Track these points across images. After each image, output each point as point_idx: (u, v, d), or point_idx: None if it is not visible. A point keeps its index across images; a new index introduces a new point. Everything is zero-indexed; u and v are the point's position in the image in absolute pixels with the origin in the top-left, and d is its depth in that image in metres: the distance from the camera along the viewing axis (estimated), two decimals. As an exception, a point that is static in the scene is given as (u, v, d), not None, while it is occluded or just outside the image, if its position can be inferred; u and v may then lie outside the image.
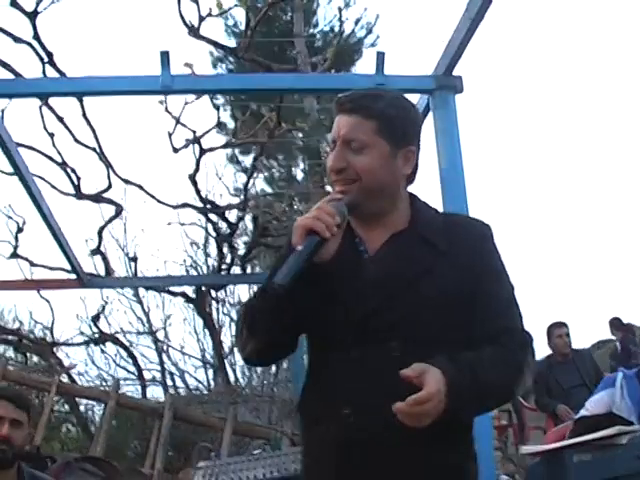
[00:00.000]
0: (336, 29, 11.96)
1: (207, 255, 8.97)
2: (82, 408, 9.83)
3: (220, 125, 6.57)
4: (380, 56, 4.35)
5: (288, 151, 9.76)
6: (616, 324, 10.47)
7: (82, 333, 8.80)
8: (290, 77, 4.42)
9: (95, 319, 8.53)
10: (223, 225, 7.28)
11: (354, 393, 1.91)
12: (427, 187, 2.51)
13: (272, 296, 1.88)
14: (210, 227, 7.61)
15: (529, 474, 4.77)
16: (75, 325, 8.98)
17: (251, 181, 7.10)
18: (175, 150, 5.54)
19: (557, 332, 7.65)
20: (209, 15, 4.78)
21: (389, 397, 1.75)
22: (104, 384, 9.30)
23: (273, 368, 10.05)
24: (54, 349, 9.57)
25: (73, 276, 7.37)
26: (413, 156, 2.08)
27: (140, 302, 9.39)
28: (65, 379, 8.59)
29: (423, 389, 1.74)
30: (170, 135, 5.48)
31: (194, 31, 4.47)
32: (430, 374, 1.77)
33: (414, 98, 4.67)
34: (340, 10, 10.44)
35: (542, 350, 8.20)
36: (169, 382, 10.13)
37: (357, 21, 13.47)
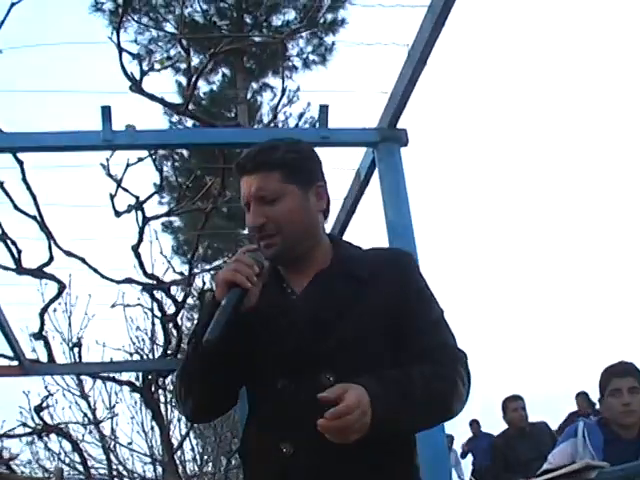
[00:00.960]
0: (280, 125, 12.19)
1: (153, 340, 8.72)
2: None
3: (163, 189, 6.50)
4: (323, 109, 4.37)
5: (234, 218, 9.74)
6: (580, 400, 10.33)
7: (24, 424, 8.39)
8: (233, 131, 4.40)
9: (38, 410, 8.15)
10: (168, 301, 7.13)
11: (290, 427, 1.94)
12: (375, 242, 2.52)
13: (204, 351, 1.94)
14: (155, 306, 7.44)
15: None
16: (17, 417, 8.53)
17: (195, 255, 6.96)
18: (117, 214, 5.43)
19: (512, 406, 7.58)
20: (151, 70, 4.77)
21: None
22: (46, 474, 8.88)
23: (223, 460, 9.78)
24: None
25: (15, 362, 7.16)
26: (323, 191, 2.18)
27: (83, 392, 9.06)
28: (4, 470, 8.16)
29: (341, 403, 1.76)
30: (112, 197, 5.37)
31: (137, 85, 4.43)
32: (350, 390, 1.79)
33: (360, 152, 4.69)
34: (284, 106, 10.66)
35: (499, 424, 8.12)
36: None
37: (300, 115, 13.84)
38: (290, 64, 13.42)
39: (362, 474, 1.90)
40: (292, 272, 2.16)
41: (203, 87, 14.09)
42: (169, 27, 12.79)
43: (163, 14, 12.58)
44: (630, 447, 3.78)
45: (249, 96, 14.30)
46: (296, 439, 1.93)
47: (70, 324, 8.90)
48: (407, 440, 2.06)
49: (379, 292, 2.05)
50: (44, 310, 6.81)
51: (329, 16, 13.52)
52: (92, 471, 9.43)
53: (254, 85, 15.13)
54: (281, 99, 8.33)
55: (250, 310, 1.97)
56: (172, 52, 12.69)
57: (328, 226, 2.55)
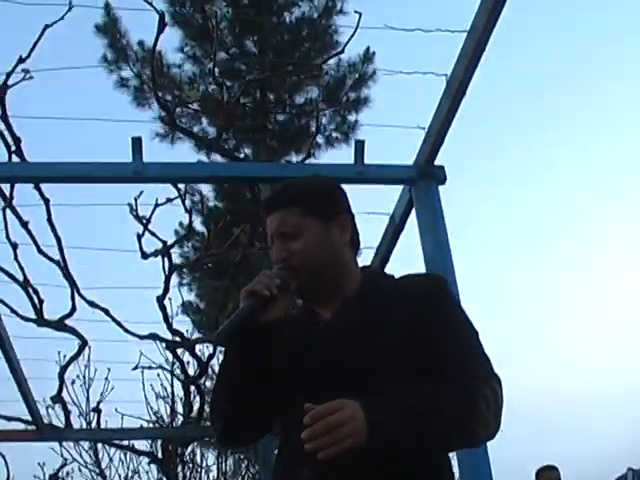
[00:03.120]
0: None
1: (173, 407, 8.46)
2: None
3: (192, 232, 6.35)
4: (359, 145, 4.26)
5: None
6: None
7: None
8: (267, 165, 4.30)
9: (54, 478, 7.86)
10: (192, 361, 6.90)
11: (308, 457, 1.78)
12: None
13: (225, 354, 2.12)
14: (177, 367, 7.20)
15: None
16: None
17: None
18: (144, 256, 5.28)
19: (547, 476, 7.21)
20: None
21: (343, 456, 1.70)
22: None
23: None
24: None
25: (32, 427, 6.95)
26: (347, 223, 2.21)
27: (100, 466, 8.76)
28: None
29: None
30: (139, 237, 5.23)
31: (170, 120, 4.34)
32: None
33: (396, 190, 4.55)
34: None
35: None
36: None
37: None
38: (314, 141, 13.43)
39: None
40: (320, 305, 2.18)
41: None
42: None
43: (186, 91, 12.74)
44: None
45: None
46: (315, 466, 1.79)
47: (88, 394, 8.73)
48: (438, 468, 1.96)
49: (402, 316, 2.01)
50: (64, 369, 6.60)
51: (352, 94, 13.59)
52: None
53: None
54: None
55: (272, 322, 2.03)
56: (195, 129, 12.83)
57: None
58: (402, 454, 1.81)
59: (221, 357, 2.28)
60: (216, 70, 12.18)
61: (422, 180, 4.22)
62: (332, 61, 13.33)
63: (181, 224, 5.82)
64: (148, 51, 11.36)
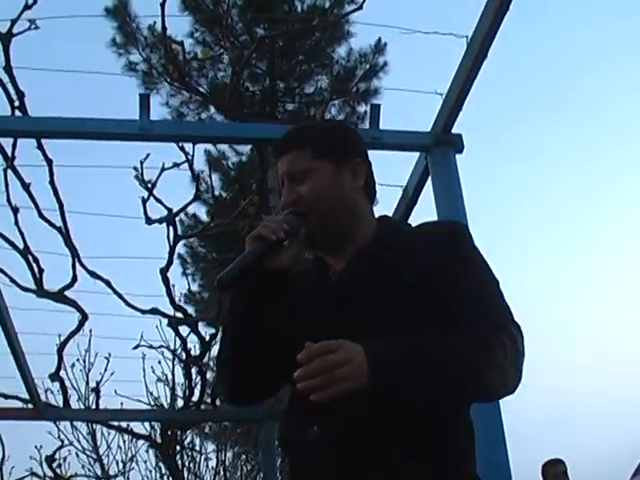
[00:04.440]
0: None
1: (173, 391, 8.31)
2: None
3: (199, 198, 6.19)
4: (375, 109, 4.12)
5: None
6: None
7: (33, 474, 7.93)
8: (277, 127, 4.15)
9: (50, 460, 7.71)
10: (194, 340, 6.74)
11: (318, 410, 1.69)
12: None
13: (231, 301, 2.01)
14: (178, 345, 7.05)
15: None
16: (26, 465, 8.06)
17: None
18: (149, 221, 5.12)
19: (552, 471, 7.03)
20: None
21: (352, 409, 1.65)
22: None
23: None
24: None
25: (30, 406, 6.81)
26: (361, 167, 2.08)
27: (96, 449, 8.63)
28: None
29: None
30: (144, 202, 5.07)
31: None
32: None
33: (412, 157, 4.40)
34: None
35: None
36: None
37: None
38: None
39: (395, 460, 1.71)
40: (333, 255, 2.06)
41: (232, 157, 13.99)
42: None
43: (195, 77, 12.60)
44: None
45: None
46: (324, 421, 1.75)
47: (88, 378, 8.59)
48: (453, 425, 1.82)
49: (420, 264, 1.89)
50: (63, 345, 6.44)
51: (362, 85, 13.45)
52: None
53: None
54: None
55: (280, 269, 1.96)
56: (203, 115, 12.69)
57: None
58: (409, 405, 1.68)
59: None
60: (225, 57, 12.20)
61: (439, 147, 4.08)
62: (343, 51, 13.25)
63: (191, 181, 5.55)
64: (157, 36, 11.28)
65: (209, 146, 12.42)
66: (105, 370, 8.14)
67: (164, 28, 5.17)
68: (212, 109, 12.61)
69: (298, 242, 2.00)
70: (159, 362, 8.68)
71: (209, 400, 7.23)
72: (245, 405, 2.77)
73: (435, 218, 3.99)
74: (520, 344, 1.81)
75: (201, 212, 11.37)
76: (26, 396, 6.69)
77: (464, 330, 1.77)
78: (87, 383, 8.49)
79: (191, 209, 10.94)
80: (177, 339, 6.90)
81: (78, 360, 8.53)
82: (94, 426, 8.86)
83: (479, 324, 1.79)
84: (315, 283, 2.05)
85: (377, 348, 1.63)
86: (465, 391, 1.76)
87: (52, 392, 7.45)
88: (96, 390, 7.80)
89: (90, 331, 7.81)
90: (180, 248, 5.94)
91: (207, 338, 6.51)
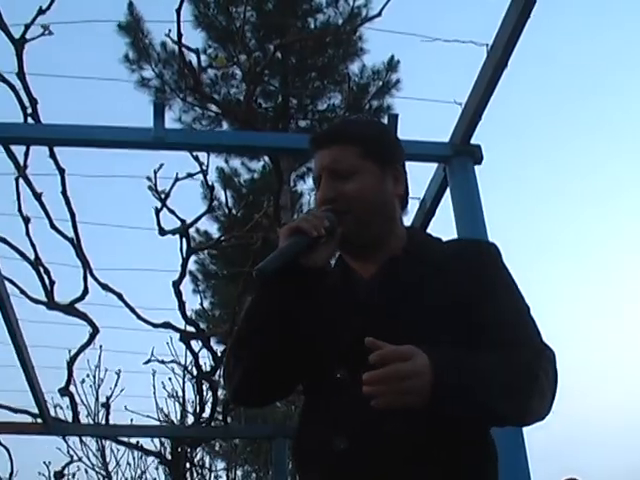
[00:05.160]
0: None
1: (184, 407, 8.23)
2: None
3: (213, 209, 6.13)
4: (392, 119, 4.04)
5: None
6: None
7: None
8: (294, 136, 4.10)
9: (59, 476, 7.63)
10: (205, 356, 6.65)
11: (346, 421, 1.74)
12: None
13: (258, 283, 1.86)
14: (189, 361, 6.97)
15: None
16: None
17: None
18: (162, 232, 5.06)
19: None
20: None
21: (385, 422, 1.63)
22: None
23: None
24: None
25: (39, 420, 6.74)
26: (402, 175, 2.03)
27: (105, 465, 8.54)
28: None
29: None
30: (157, 212, 5.01)
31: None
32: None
33: (429, 169, 4.33)
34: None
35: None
36: None
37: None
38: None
39: (422, 475, 1.67)
40: (361, 261, 1.98)
41: (244, 174, 13.95)
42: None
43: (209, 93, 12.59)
44: None
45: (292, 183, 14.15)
46: (352, 433, 1.72)
47: (97, 394, 8.53)
48: (485, 445, 1.80)
49: (451, 280, 1.85)
50: (73, 359, 6.37)
51: (375, 102, 13.43)
52: None
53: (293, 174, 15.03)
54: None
55: (315, 268, 1.84)
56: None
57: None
58: (451, 424, 1.64)
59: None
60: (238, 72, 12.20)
61: (457, 158, 4.01)
62: (356, 68, 13.24)
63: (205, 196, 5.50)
64: (170, 52, 11.30)
65: (221, 163, 12.41)
66: (115, 385, 8.10)
67: (179, 34, 5.11)
68: (225, 125, 12.66)
69: (335, 241, 1.89)
70: (169, 379, 8.66)
71: (220, 417, 7.16)
72: (250, 405, 2.65)
73: (454, 230, 3.93)
74: (556, 369, 1.78)
75: (213, 229, 11.35)
76: (35, 410, 6.62)
77: (508, 354, 1.72)
78: (97, 399, 8.50)
79: (203, 226, 10.96)
80: (188, 355, 6.82)
81: (88, 376, 8.53)
82: (103, 442, 8.81)
83: (521, 348, 1.75)
84: (341, 288, 1.96)
85: (441, 366, 1.57)
86: (507, 415, 1.72)
87: (61, 407, 7.37)
88: (106, 405, 7.73)
89: (100, 347, 7.72)
90: (191, 265, 5.87)
91: (219, 354, 6.43)
